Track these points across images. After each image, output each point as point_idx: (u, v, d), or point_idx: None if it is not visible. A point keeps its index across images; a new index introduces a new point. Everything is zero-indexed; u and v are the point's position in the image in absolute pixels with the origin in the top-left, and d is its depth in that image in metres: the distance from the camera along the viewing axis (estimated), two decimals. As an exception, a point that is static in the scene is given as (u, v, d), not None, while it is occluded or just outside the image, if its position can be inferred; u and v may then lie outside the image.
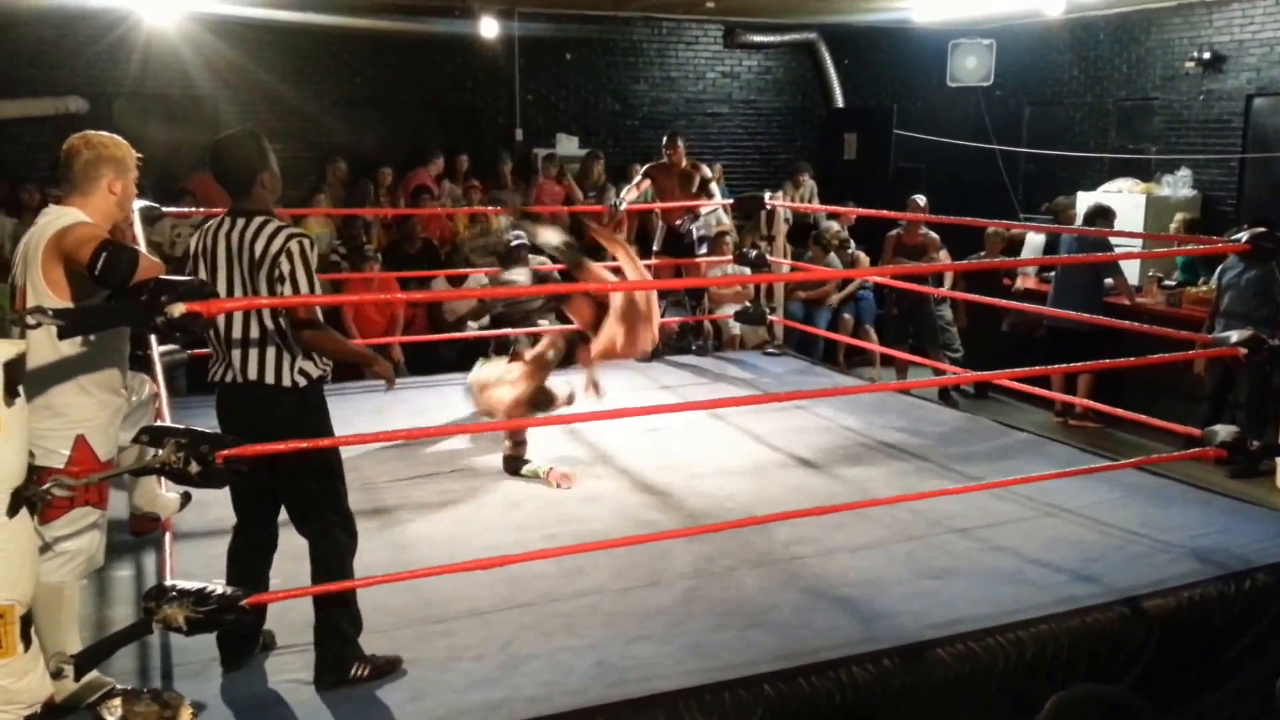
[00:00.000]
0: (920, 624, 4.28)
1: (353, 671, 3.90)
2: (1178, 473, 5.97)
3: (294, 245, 3.75)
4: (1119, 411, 6.13)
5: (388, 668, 3.96)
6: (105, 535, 3.83)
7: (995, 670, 4.11)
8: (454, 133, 12.92)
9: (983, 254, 10.29)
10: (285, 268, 3.73)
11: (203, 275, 3.86)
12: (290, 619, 4.21)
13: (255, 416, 3.81)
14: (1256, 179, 11.43)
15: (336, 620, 3.92)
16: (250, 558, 4.08)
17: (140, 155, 3.91)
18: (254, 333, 3.80)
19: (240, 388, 3.85)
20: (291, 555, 4.17)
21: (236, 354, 3.82)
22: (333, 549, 3.98)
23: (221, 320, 3.81)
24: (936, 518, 5.39)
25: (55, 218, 3.65)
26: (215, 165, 3.90)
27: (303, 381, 3.87)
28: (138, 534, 4.67)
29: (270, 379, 3.82)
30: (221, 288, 3.83)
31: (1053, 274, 9.63)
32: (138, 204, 6.27)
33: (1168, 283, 9.75)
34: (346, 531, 4.03)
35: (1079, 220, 10.18)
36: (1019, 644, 4.17)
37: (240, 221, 3.82)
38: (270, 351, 3.81)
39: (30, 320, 3.16)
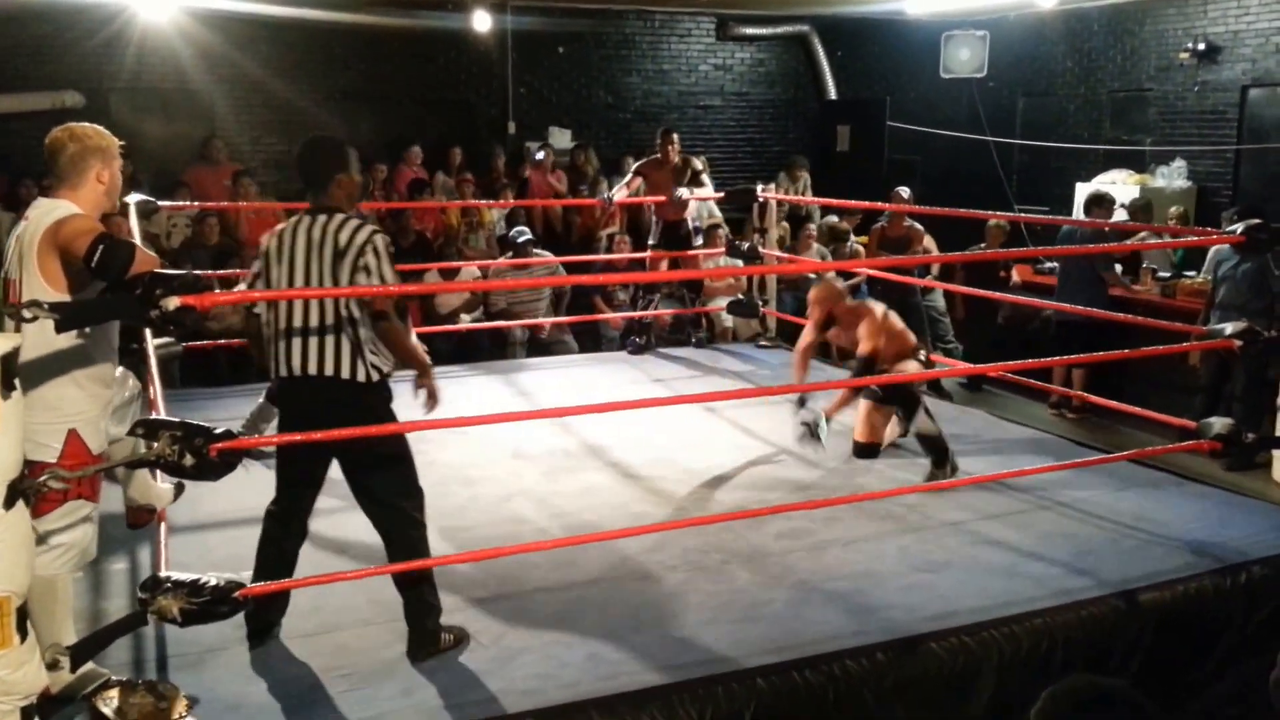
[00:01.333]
0: (913, 618, 4.28)
1: (442, 641, 4.05)
2: (1174, 465, 5.98)
3: (378, 240, 3.92)
4: (1113, 404, 6.13)
5: (463, 635, 4.13)
6: (97, 528, 3.83)
7: (989, 664, 4.11)
8: (447, 126, 12.91)
9: (983, 245, 10.30)
10: (371, 261, 3.88)
11: (278, 270, 3.97)
12: (288, 611, 4.20)
13: (328, 410, 3.88)
14: (1252, 170, 11.42)
15: (424, 596, 4.04)
16: (287, 544, 4.16)
17: (123, 144, 3.90)
18: (329, 326, 3.88)
19: (312, 381, 3.92)
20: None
21: (312, 347, 3.90)
22: (409, 533, 4.07)
23: (293, 313, 3.90)
24: (930, 511, 5.40)
25: (47, 210, 3.64)
26: (300, 162, 4.11)
27: (375, 375, 3.97)
28: (134, 526, 4.65)
29: (346, 374, 3.91)
30: (299, 279, 3.92)
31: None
32: (134, 198, 6.26)
33: (1162, 274, 9.75)
34: (418, 513, 4.11)
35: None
36: (1013, 638, 4.17)
37: (321, 218, 3.95)
38: (345, 345, 3.90)
39: (26, 314, 3.15)
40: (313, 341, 3.89)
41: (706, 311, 10.20)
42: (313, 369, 3.90)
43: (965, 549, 5.01)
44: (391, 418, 4.08)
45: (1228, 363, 7.83)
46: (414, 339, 4.30)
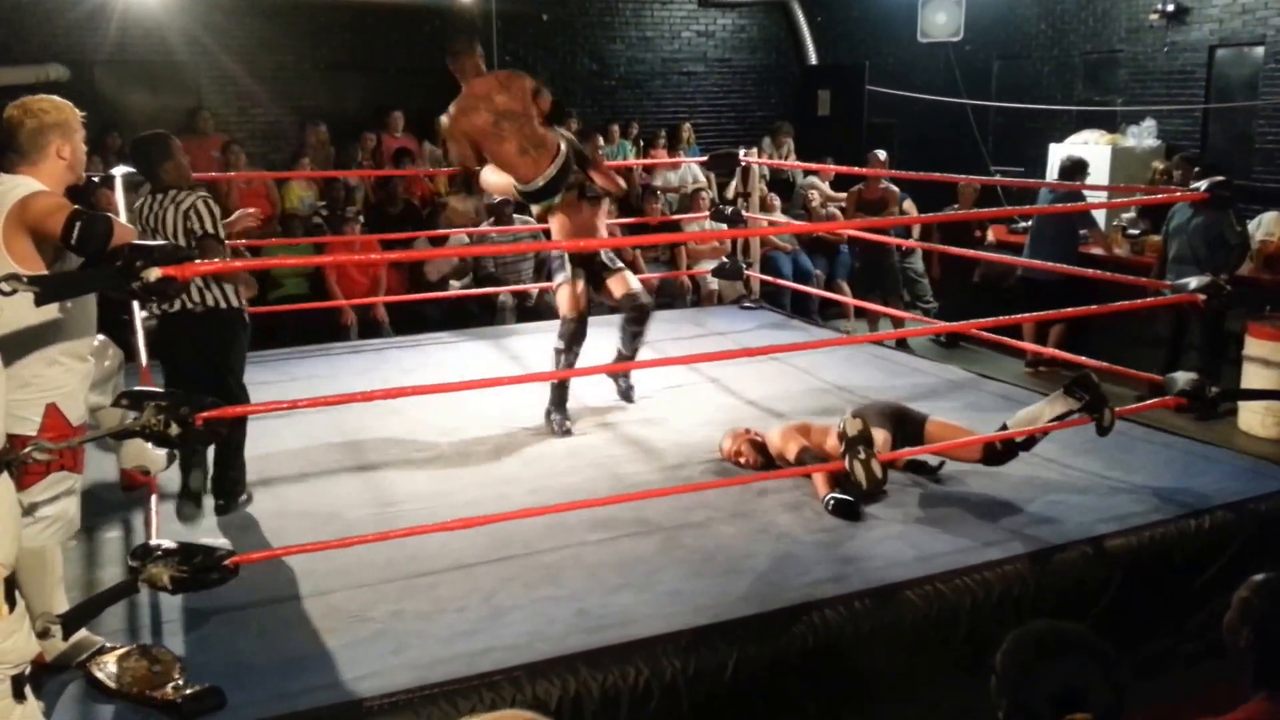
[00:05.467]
0: (890, 566, 4.39)
1: (241, 498, 5.14)
2: (1142, 415, 6.07)
3: (200, 204, 4.96)
4: (1085, 360, 6.25)
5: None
6: (79, 500, 3.83)
7: (963, 610, 4.21)
8: (434, 95, 12.87)
9: (956, 206, 10.41)
10: (195, 224, 4.93)
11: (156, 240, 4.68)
12: (280, 576, 4.32)
13: (196, 331, 4.97)
14: (1219, 128, 11.54)
15: (233, 462, 5.13)
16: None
17: (84, 114, 3.83)
18: None
19: (184, 314, 4.96)
20: (276, 515, 4.26)
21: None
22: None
23: None
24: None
25: (10, 188, 3.56)
26: (134, 160, 5.28)
27: (222, 305, 5.01)
28: (129, 489, 4.70)
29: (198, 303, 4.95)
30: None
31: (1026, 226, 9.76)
32: (121, 170, 6.29)
33: (1131, 231, 9.88)
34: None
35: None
36: (985, 584, 4.27)
37: (159, 195, 5.05)
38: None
39: (5, 288, 3.14)
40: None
41: (692, 274, 10.33)
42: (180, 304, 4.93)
43: (940, 499, 5.11)
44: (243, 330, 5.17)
45: (1185, 315, 7.91)
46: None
